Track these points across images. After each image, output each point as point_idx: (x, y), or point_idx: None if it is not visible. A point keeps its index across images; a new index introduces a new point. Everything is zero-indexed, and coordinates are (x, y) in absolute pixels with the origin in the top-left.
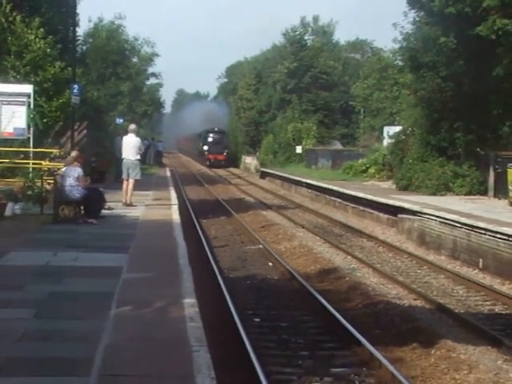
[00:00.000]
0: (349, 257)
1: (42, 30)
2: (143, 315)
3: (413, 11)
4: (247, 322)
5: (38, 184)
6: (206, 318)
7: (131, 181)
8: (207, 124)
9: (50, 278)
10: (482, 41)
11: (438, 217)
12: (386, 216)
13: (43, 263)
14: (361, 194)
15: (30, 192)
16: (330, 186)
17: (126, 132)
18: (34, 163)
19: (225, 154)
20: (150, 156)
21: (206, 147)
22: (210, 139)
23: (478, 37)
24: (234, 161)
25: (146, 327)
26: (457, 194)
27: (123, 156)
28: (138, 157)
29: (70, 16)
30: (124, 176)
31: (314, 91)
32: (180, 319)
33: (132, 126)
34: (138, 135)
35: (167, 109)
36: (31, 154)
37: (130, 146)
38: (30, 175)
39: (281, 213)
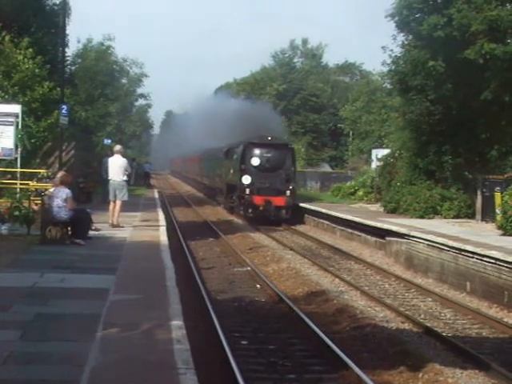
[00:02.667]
0: (337, 279)
1: (30, 50)
2: (130, 337)
3: (401, 35)
4: (234, 345)
5: (25, 204)
6: (194, 341)
7: (118, 202)
8: (246, 131)
9: (36, 299)
10: (470, 65)
11: (425, 240)
12: (374, 239)
13: (30, 284)
14: (349, 217)
15: (17, 212)
16: (318, 209)
17: (112, 153)
18: (21, 183)
19: (288, 193)
20: (133, 177)
21: (246, 178)
22: (255, 160)
23: (466, 61)
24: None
25: (133, 349)
26: (444, 217)
27: (110, 177)
28: (125, 178)
29: (59, 36)
30: (111, 197)
31: (303, 113)
32: (167, 341)
33: (118, 147)
34: (124, 156)
35: (156, 130)
36: (18, 175)
37: (117, 167)
38: (18, 196)
39: (269, 235)
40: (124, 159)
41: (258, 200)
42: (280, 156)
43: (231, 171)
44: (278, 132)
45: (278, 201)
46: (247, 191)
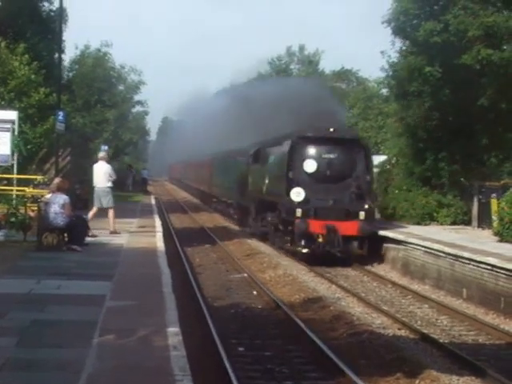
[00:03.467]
0: (333, 286)
1: (26, 56)
2: (126, 344)
3: (398, 40)
4: (231, 351)
5: (22, 211)
6: (190, 347)
7: (111, 210)
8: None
9: (32, 305)
10: (467, 70)
11: (422, 246)
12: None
13: (26, 291)
14: None
15: (13, 219)
16: None
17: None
18: (17, 190)
19: (363, 215)
20: (130, 184)
21: (297, 193)
22: (311, 164)
23: (462, 66)
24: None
25: (130, 356)
26: (441, 224)
27: (94, 184)
28: (110, 184)
29: (55, 42)
30: (95, 204)
31: None
32: (164, 348)
33: (102, 154)
34: (108, 162)
35: (152, 136)
36: (15, 181)
37: (101, 173)
38: (14, 202)
39: (266, 241)
40: (108, 165)
41: (316, 226)
42: (349, 157)
43: (266, 181)
44: (340, 121)
45: (348, 227)
46: (298, 212)
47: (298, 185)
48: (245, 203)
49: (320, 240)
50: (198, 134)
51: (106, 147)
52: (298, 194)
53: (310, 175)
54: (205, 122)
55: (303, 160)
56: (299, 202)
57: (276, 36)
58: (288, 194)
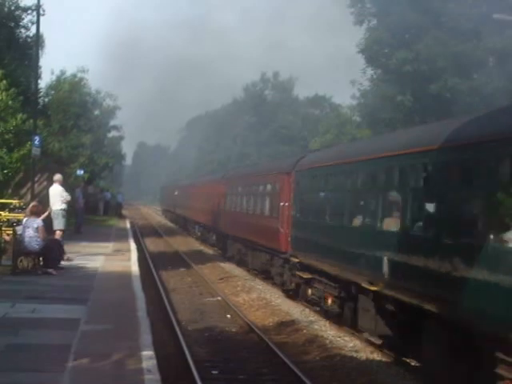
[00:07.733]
0: (306, 309)
1: (4, 81)
2: (101, 368)
3: (370, 69)
4: (205, 375)
5: None
6: (164, 371)
7: (58, 232)
8: None
9: (7, 330)
10: (437, 99)
11: None
12: None
13: (0, 315)
14: None
15: None
16: None
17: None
18: None
19: None
20: (101, 208)
21: None
22: None
23: (433, 95)
24: None
25: (104, 380)
26: None
27: (50, 206)
28: (63, 206)
29: (32, 69)
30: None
31: (274, 145)
32: (138, 371)
33: (56, 176)
34: (61, 185)
35: (128, 161)
36: None
37: (54, 195)
38: None
39: (239, 265)
40: (60, 188)
41: None
42: None
43: None
44: None
45: None
46: None
47: None
48: None
49: None
50: None
51: (82, 172)
52: None
53: None
54: None
55: None
56: None
57: (251, 63)
58: None
